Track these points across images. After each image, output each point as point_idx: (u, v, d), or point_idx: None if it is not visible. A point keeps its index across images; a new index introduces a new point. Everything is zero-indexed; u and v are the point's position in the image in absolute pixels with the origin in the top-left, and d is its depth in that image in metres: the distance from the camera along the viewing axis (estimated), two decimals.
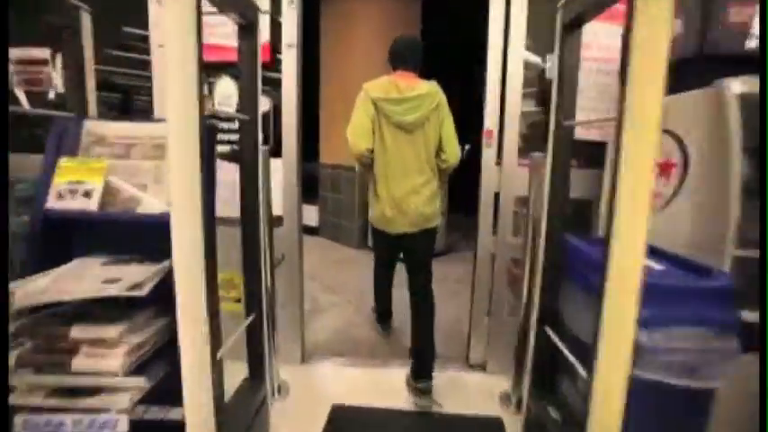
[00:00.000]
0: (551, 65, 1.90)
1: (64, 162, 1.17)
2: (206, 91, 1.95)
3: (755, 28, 1.38)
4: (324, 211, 4.86)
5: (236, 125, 1.97)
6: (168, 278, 0.93)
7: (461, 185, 4.68)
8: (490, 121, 1.91)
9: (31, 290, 0.97)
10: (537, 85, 2.04)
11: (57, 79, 1.66)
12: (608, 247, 0.88)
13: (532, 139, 2.03)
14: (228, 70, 1.98)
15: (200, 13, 0.85)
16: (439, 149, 1.91)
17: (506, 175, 1.92)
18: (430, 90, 1.87)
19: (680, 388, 1.02)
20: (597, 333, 0.91)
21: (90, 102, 1.43)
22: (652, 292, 0.93)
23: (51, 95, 1.72)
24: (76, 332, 0.97)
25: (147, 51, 1.95)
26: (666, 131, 1.40)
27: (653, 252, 1.24)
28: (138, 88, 2.20)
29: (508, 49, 1.84)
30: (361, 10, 4.21)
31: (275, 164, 1.96)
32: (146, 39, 1.95)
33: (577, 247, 1.25)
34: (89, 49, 1.43)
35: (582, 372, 1.06)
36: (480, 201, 1.98)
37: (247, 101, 1.35)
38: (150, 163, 1.21)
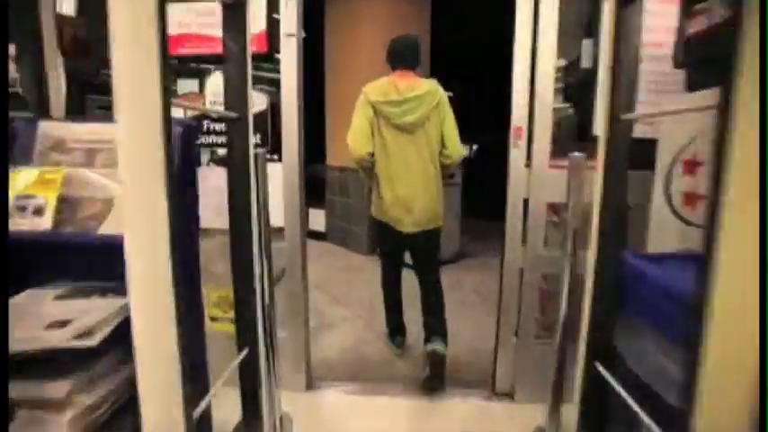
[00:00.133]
0: (587, 51, 1.66)
1: (12, 172, 0.96)
2: (196, 87, 1.74)
3: None
4: (331, 216, 4.65)
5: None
6: None
7: (475, 187, 4.45)
8: (518, 116, 1.67)
9: None
10: (562, 80, 1.80)
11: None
12: (709, 273, 0.64)
13: (559, 139, 1.80)
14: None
15: None
16: (441, 146, 1.94)
17: (536, 178, 1.68)
18: (430, 89, 1.88)
19: None
20: (692, 398, 0.67)
21: (55, 101, 1.23)
22: None
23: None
24: (14, 390, 0.76)
25: None
26: None
27: None
28: None
29: (537, 31, 1.59)
30: (368, 8, 4.03)
31: (275, 168, 1.75)
32: None
33: (644, 271, 1.01)
34: (51, 43, 1.22)
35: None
36: (507, 207, 1.74)
37: (236, 96, 1.13)
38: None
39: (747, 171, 0.62)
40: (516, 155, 1.69)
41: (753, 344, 0.62)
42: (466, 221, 4.20)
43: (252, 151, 1.17)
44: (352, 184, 4.29)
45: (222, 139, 1.81)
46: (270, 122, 1.77)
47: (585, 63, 1.63)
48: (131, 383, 0.87)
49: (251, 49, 1.13)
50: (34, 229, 0.92)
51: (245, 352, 1.18)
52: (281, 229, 1.82)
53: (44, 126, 1.03)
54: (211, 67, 1.78)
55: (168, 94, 0.69)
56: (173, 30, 1.70)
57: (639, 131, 1.59)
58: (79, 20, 1.55)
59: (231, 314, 1.82)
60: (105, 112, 1.99)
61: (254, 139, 1.79)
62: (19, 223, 0.92)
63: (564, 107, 1.90)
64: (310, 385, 1.95)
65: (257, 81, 1.77)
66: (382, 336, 2.45)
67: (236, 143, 1.13)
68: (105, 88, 1.82)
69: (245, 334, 1.19)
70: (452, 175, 3.92)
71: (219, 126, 1.78)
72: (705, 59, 1.28)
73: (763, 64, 0.81)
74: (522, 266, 1.78)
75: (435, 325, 2.01)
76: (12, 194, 0.96)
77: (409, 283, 2.27)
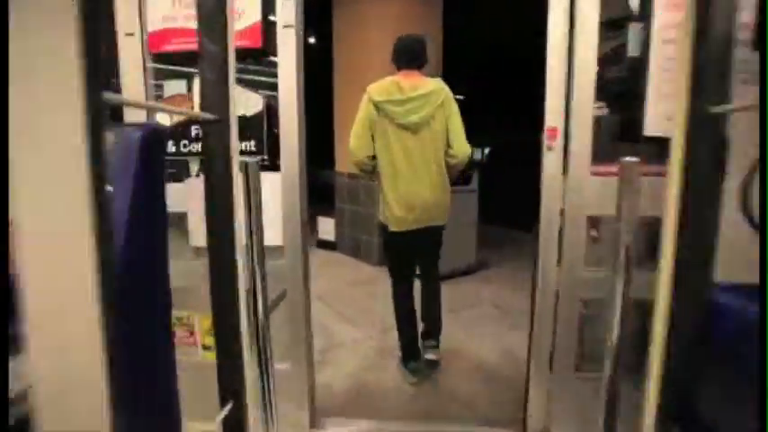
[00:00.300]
0: (635, 37, 1.42)
1: None
2: (184, 89, 1.55)
3: None
4: (341, 225, 4.44)
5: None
6: None
7: (492, 193, 4.19)
8: (553, 115, 1.43)
9: None
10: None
11: None
12: None
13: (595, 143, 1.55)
14: None
15: None
16: (447, 145, 1.91)
17: (575, 186, 1.43)
18: (435, 88, 1.86)
19: None
20: None
21: None
22: None
23: None
24: None
25: None
26: None
27: None
28: None
29: (575, 15, 1.35)
30: (377, 9, 3.85)
31: (274, 178, 1.54)
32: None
33: (743, 308, 0.76)
34: None
35: None
36: (541, 221, 1.49)
37: (215, 94, 0.92)
38: None
39: None
40: (551, 159, 1.44)
41: None
42: (482, 229, 3.95)
43: (236, 158, 0.96)
44: (363, 191, 4.08)
45: None
46: (266, 127, 1.55)
47: (633, 51, 1.38)
48: None
49: (243, 44, 0.94)
50: None
51: (228, 407, 0.95)
52: (280, 247, 1.61)
53: None
54: None
55: (97, 89, 0.47)
56: (156, 25, 1.52)
57: None
58: None
59: None
60: None
61: (245, 145, 1.59)
62: None
63: (596, 106, 1.66)
64: (314, 423, 1.72)
65: (251, 81, 1.57)
66: (395, 359, 2.22)
67: (215, 149, 0.92)
68: None
69: (226, 384, 0.97)
70: (468, 181, 3.68)
71: None
72: None
73: (763, 63, 0.59)
74: (557, 288, 1.53)
75: (432, 330, 2.14)
76: None
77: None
